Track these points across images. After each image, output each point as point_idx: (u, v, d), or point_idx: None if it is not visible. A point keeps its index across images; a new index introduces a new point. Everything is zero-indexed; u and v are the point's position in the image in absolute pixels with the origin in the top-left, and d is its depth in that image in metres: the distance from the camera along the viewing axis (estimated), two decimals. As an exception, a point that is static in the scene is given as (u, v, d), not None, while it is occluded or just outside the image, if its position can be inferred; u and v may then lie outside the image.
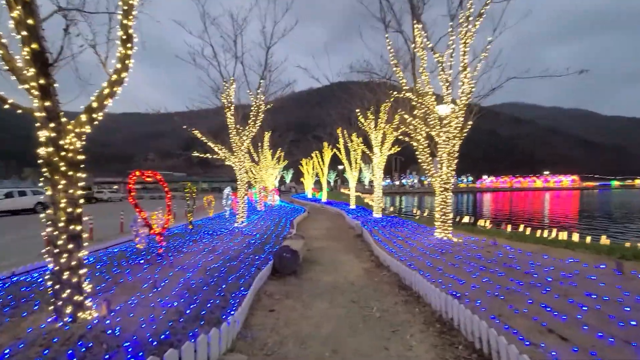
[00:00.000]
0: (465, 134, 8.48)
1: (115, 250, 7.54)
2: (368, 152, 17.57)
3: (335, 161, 34.16)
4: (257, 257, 7.23)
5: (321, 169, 34.90)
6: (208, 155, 12.34)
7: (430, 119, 8.54)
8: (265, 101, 13.57)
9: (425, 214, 19.80)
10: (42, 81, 2.72)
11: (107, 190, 48.90)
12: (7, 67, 2.92)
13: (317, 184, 49.76)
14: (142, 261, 5.84)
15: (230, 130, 12.16)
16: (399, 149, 17.24)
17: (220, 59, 11.84)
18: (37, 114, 2.90)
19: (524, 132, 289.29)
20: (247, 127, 12.11)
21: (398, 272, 6.47)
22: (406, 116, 9.43)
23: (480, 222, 14.05)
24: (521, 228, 12.10)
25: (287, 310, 4.78)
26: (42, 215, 3.18)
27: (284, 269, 6.73)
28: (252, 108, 12.05)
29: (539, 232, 10.78)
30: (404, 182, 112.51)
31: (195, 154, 12.41)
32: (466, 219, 16.28)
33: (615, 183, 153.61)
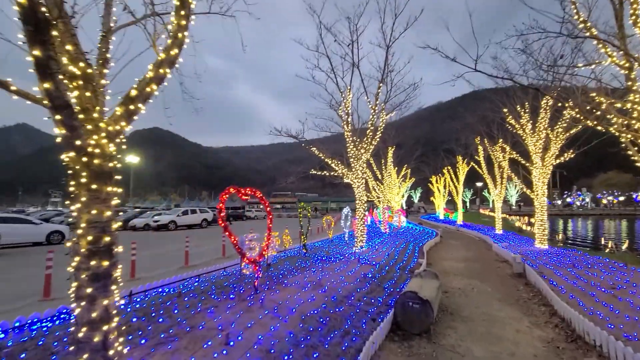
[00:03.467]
0: None
1: (223, 273, 7.14)
2: (524, 162, 13.44)
3: (470, 177, 29.07)
4: (372, 301, 5.44)
5: (455, 186, 30.24)
6: (325, 172, 11.51)
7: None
8: (387, 110, 12.00)
9: (624, 247, 13.55)
10: (36, 52, 1.96)
11: (254, 210, 57.45)
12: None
13: (449, 203, 43.97)
14: (232, 296, 4.96)
15: (348, 144, 11.03)
16: (572, 155, 12.60)
17: (338, 71, 11.06)
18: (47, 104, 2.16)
19: None
20: (365, 139, 10.72)
21: (630, 368, 3.47)
22: (602, 99, 5.99)
23: None
24: None
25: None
26: (67, 244, 2.43)
27: (411, 325, 4.69)
28: (371, 117, 10.62)
29: None
30: (570, 201, 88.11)
31: (313, 171, 11.79)
32: None
33: None
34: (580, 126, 11.58)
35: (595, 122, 5.46)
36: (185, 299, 4.70)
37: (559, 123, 11.91)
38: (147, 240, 18.02)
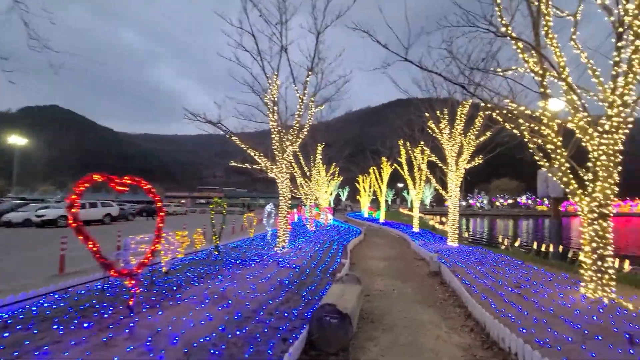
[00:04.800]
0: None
1: (98, 286, 5.56)
2: (441, 165, 14.25)
3: (393, 178, 30.77)
4: (286, 314, 4.64)
5: (379, 186, 31.67)
6: (247, 165, 10.38)
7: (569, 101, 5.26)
8: (317, 102, 11.37)
9: (516, 244, 15.39)
10: None
11: (172, 204, 52.45)
12: None
13: (374, 202, 46.25)
14: (89, 323, 3.60)
15: (273, 135, 10.08)
16: (480, 160, 13.74)
17: (265, 54, 10.01)
18: None
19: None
20: (291, 130, 9.90)
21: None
22: (513, 104, 6.20)
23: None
24: None
25: None
26: None
27: (327, 344, 4.01)
28: (298, 107, 9.84)
29: None
30: (472, 202, 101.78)
31: (232, 163, 10.54)
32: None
33: None
34: (488, 134, 12.67)
35: (512, 126, 5.57)
36: (6, 334, 3.17)
37: (471, 130, 12.81)
38: (23, 240, 14.42)
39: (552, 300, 5.27)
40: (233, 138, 10.22)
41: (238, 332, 3.77)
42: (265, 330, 4.02)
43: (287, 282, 6.16)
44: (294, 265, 7.70)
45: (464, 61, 8.41)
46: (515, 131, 5.66)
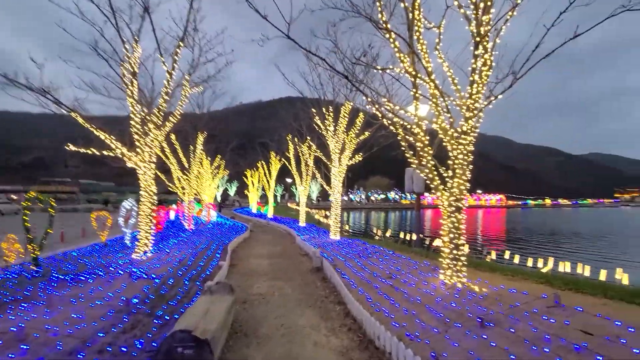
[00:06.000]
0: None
1: None
2: (326, 161, 14.61)
3: (282, 174, 30.75)
4: (124, 349, 3.44)
5: (267, 181, 31.06)
6: (90, 150, 8.07)
7: (434, 104, 5.67)
8: (194, 82, 9.84)
9: (387, 234, 17.15)
10: None
11: (-4, 200, 39.15)
12: None
13: (263, 197, 45.53)
14: None
15: (132, 115, 8.12)
16: (360, 158, 14.68)
17: (123, 14, 7.91)
18: None
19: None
20: (156, 110, 8.16)
21: (417, 377, 3.22)
22: (390, 104, 6.47)
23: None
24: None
25: None
26: None
27: (177, 384, 3.06)
28: (166, 83, 8.16)
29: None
30: (352, 197, 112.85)
31: (71, 147, 8.02)
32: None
33: (531, 202, 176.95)
34: (367, 134, 13.60)
35: (389, 122, 5.71)
36: None
37: (353, 129, 13.50)
38: None
39: (418, 288, 5.61)
40: (73, 114, 7.81)
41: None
42: (81, 382, 2.79)
43: (137, 300, 4.79)
44: (154, 276, 6.25)
45: (347, 55, 8.53)
46: (391, 127, 5.88)
